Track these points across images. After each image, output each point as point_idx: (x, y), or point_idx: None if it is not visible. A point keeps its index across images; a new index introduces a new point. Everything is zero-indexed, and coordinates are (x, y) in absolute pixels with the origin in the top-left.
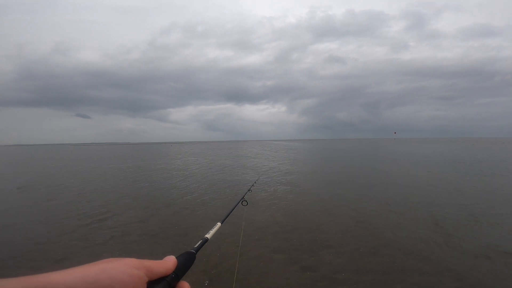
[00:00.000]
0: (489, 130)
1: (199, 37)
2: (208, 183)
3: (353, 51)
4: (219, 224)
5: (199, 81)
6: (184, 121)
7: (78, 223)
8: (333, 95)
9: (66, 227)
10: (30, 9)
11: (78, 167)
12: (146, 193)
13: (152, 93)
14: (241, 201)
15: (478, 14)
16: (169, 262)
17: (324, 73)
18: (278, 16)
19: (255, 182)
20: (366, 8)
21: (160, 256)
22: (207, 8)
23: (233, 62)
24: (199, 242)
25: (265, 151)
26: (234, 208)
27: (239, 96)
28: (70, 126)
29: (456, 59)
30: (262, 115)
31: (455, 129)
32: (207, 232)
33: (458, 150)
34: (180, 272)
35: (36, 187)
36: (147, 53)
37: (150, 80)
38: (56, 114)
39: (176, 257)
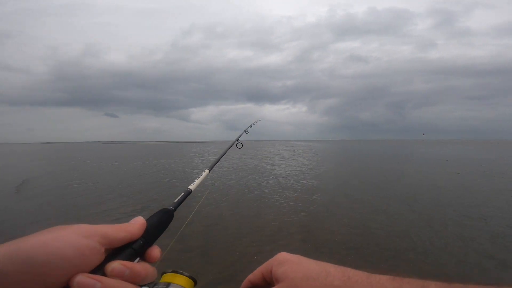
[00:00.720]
0: None
1: (218, 38)
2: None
3: (375, 49)
4: (206, 171)
5: (220, 81)
6: (205, 121)
7: None
8: (355, 95)
9: None
10: (60, 12)
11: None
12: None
13: (174, 93)
14: (235, 143)
15: (510, 10)
16: (134, 225)
17: (346, 72)
18: (297, 16)
19: (253, 123)
20: (389, 5)
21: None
22: (226, 8)
23: (253, 62)
24: (180, 196)
25: (283, 151)
26: (226, 151)
27: (259, 96)
28: (99, 125)
29: (489, 58)
30: (282, 115)
31: (489, 130)
32: (191, 182)
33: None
34: (150, 236)
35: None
36: (169, 54)
37: (172, 80)
38: (87, 114)
39: (147, 219)
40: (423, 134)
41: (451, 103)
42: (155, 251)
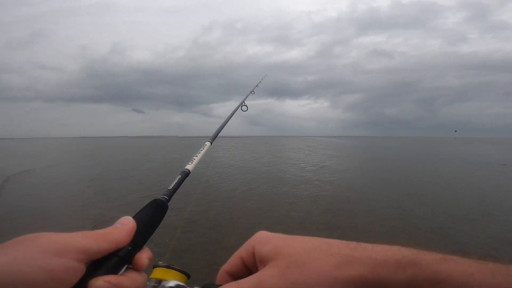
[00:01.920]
0: None
1: (238, 34)
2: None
3: (401, 44)
4: (208, 144)
5: (240, 77)
6: (227, 116)
7: None
8: (381, 90)
9: None
10: (88, 12)
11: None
12: None
13: (197, 89)
14: (240, 106)
15: None
16: (121, 231)
17: (370, 67)
18: (317, 10)
19: (260, 81)
20: None
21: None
22: (245, 5)
23: (273, 57)
24: (175, 180)
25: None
26: (231, 116)
27: (280, 91)
28: (127, 120)
29: None
30: (303, 111)
31: None
32: (190, 160)
33: None
34: (139, 238)
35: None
36: (191, 51)
37: (195, 76)
38: (115, 109)
39: (135, 216)
40: (455, 131)
41: (487, 99)
42: (144, 256)
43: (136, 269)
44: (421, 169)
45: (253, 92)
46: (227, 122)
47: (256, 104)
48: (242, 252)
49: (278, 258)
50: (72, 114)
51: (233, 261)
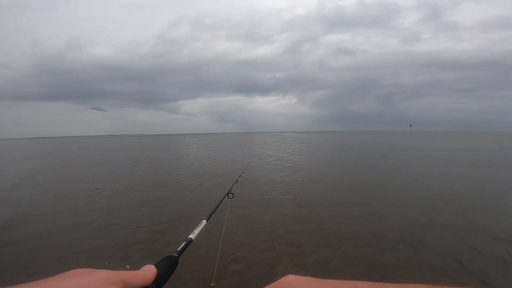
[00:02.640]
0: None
1: (208, 30)
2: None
3: (365, 42)
4: (204, 222)
5: (209, 73)
6: (195, 113)
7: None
8: (346, 87)
9: None
10: (45, 7)
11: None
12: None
13: (163, 86)
14: (227, 194)
15: (499, 5)
16: (148, 273)
17: (336, 64)
18: (287, 8)
19: (242, 172)
20: None
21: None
22: (215, 1)
23: (242, 54)
24: (182, 244)
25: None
26: (220, 203)
27: (250, 88)
28: (86, 119)
29: (476, 51)
30: (273, 107)
31: (476, 122)
32: (191, 231)
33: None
34: (160, 280)
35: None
36: (157, 47)
37: (161, 73)
38: (73, 108)
39: (156, 265)
40: (411, 125)
41: (439, 95)
42: None
43: None
44: (369, 160)
45: (237, 182)
46: (217, 207)
47: (225, 101)
48: None
49: None
50: (24, 113)
51: None
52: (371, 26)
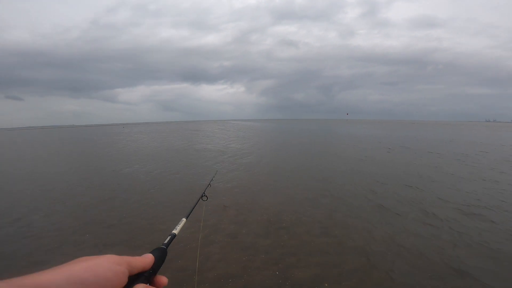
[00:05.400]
0: (427, 114)
1: (151, 16)
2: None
3: (309, 35)
4: (184, 219)
5: (152, 60)
6: (136, 102)
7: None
8: (290, 77)
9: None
10: None
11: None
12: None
13: (97, 73)
14: (201, 197)
15: (426, 5)
16: (147, 259)
17: (282, 55)
18: None
19: (214, 176)
20: None
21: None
22: None
23: (189, 42)
24: (168, 238)
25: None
26: (196, 204)
27: (196, 76)
28: (0, 110)
29: (401, 48)
30: (220, 95)
31: (398, 112)
32: (173, 227)
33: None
34: (156, 267)
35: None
36: (89, 32)
37: (93, 59)
38: None
39: (152, 253)
40: (347, 114)
41: (370, 87)
42: (162, 279)
43: (158, 286)
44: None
45: (210, 185)
46: (194, 207)
47: (169, 89)
48: None
49: None
50: None
51: None
52: (317, 20)
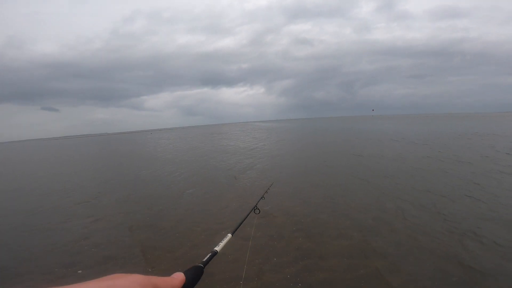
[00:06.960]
0: (460, 106)
1: (166, 23)
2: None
3: (323, 32)
4: (229, 235)
5: (172, 67)
6: (160, 108)
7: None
8: (309, 76)
9: None
10: None
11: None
12: None
13: (122, 82)
14: (253, 210)
15: None
16: (176, 279)
17: (298, 54)
18: None
19: (269, 188)
20: None
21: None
22: None
23: (206, 46)
24: (207, 255)
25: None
26: (245, 218)
27: (215, 80)
28: (37, 121)
29: (425, 39)
30: (240, 98)
31: (427, 105)
32: (216, 244)
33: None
34: (187, 287)
35: None
36: (110, 42)
37: (118, 68)
38: (20, 109)
39: (184, 272)
40: (373, 110)
41: (394, 81)
42: None
43: None
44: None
45: (263, 198)
46: (242, 222)
47: (191, 94)
48: None
49: None
50: None
51: None
52: (331, 16)
